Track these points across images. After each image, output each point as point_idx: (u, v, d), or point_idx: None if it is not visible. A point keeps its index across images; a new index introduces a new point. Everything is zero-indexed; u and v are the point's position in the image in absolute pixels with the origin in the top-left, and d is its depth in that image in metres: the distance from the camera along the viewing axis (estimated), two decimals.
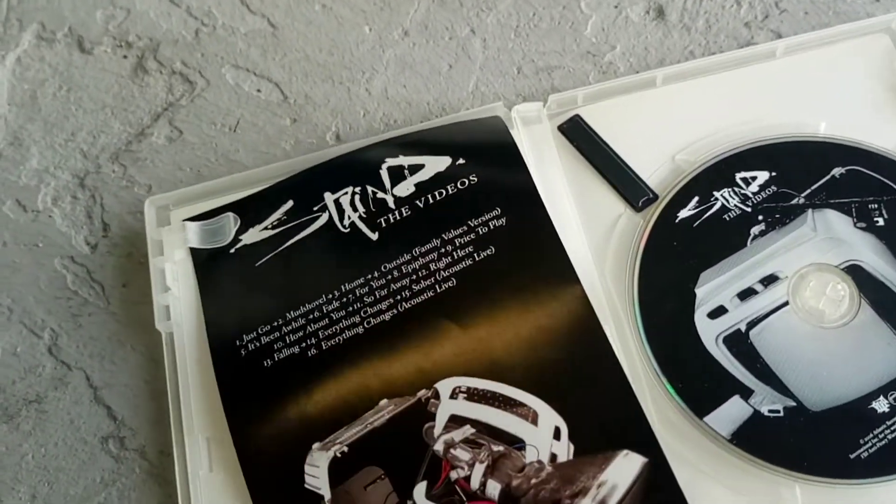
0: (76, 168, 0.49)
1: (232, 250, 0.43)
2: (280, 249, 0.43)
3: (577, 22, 0.51)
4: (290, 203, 0.45)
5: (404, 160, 0.44)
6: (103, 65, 0.52)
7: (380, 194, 0.44)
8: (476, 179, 0.43)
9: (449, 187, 0.43)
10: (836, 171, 0.42)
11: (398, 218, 0.43)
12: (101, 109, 0.51)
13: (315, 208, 0.44)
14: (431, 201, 0.43)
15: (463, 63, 0.51)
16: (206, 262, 0.43)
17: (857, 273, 0.40)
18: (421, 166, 0.44)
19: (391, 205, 0.43)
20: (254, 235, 0.44)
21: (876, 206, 0.41)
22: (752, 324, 0.40)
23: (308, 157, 0.46)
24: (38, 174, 0.49)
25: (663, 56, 0.49)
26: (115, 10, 0.53)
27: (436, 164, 0.44)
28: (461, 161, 0.44)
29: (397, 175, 0.44)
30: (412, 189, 0.44)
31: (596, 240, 0.43)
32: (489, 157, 0.44)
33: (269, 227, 0.44)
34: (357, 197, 0.44)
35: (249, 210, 0.45)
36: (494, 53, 0.51)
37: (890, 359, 0.38)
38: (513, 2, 0.52)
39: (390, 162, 0.45)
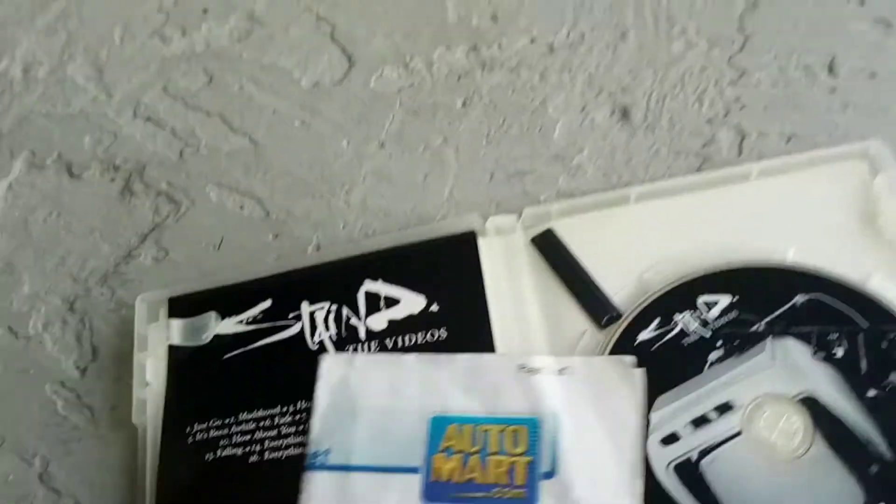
0: (66, 292, 0.61)
1: (206, 338, 0.54)
2: (249, 348, 0.54)
3: (546, 126, 0.61)
4: (268, 302, 0.55)
5: (382, 288, 0.55)
6: (92, 188, 0.64)
7: (353, 320, 0.54)
8: (445, 336, 0.52)
9: (419, 336, 0.53)
10: (799, 299, 0.50)
11: (365, 351, 0.53)
12: (90, 233, 0.63)
13: (290, 315, 0.55)
14: (400, 345, 0.53)
15: (438, 172, 0.61)
16: (181, 356, 0.54)
17: (812, 405, 0.47)
18: (397, 301, 0.54)
19: (362, 335, 0.53)
20: (228, 326, 0.55)
21: (836, 337, 0.48)
22: (704, 453, 0.47)
23: (294, 260, 0.57)
24: (29, 300, 0.61)
25: (629, 156, 0.59)
26: (102, 134, 0.65)
27: (411, 304, 0.54)
28: (434, 308, 0.53)
29: (373, 303, 0.54)
30: (385, 325, 0.54)
31: (560, 354, 0.51)
32: (459, 308, 0.53)
33: (245, 321, 0.55)
34: (332, 315, 0.54)
35: (230, 299, 0.55)
36: (467, 161, 0.61)
37: (842, 496, 0.45)
38: (483, 110, 0.62)
39: (369, 286, 0.55)
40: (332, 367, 0.51)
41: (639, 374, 0.48)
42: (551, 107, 0.63)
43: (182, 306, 0.56)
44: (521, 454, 0.47)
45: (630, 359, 0.49)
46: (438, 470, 0.47)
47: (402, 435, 0.48)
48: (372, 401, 0.50)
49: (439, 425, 0.48)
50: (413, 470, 0.47)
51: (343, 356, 0.52)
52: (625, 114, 0.61)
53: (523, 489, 0.46)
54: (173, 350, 0.55)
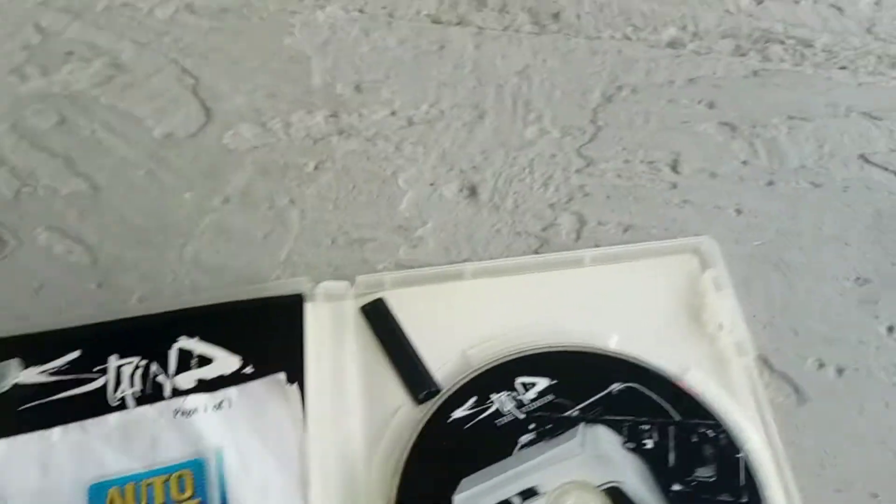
0: None
1: (4, 386, 0.50)
2: (47, 400, 0.50)
3: (394, 196, 0.60)
4: (76, 353, 0.52)
5: (197, 347, 0.52)
6: None
7: (160, 377, 0.51)
8: None
9: None
10: (615, 388, 0.50)
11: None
12: None
13: (96, 368, 0.52)
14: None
15: (279, 232, 0.59)
16: None
17: (616, 496, 0.47)
18: (209, 361, 0.52)
19: (167, 393, 0.51)
20: (30, 376, 0.51)
21: (647, 427, 0.48)
22: None
23: (112, 311, 0.55)
24: None
25: (471, 232, 0.59)
26: None
27: (224, 364, 0.52)
28: (248, 370, 0.51)
29: (184, 361, 0.52)
30: (193, 384, 0.51)
31: (374, 427, 0.50)
32: (274, 372, 0.51)
33: (49, 372, 0.52)
34: (139, 371, 0.52)
35: (37, 347, 0.52)
36: (311, 224, 0.60)
37: None
38: (334, 175, 0.61)
39: (183, 343, 0.52)
40: None
41: (293, 390, 0.49)
42: (402, 178, 0.62)
43: None
44: (189, 499, 0.46)
45: (281, 376, 0.50)
46: None
47: None
48: (21, 486, 0.47)
49: (99, 493, 0.46)
50: None
51: None
52: (472, 191, 0.61)
53: None
54: None
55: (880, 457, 0.49)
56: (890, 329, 0.53)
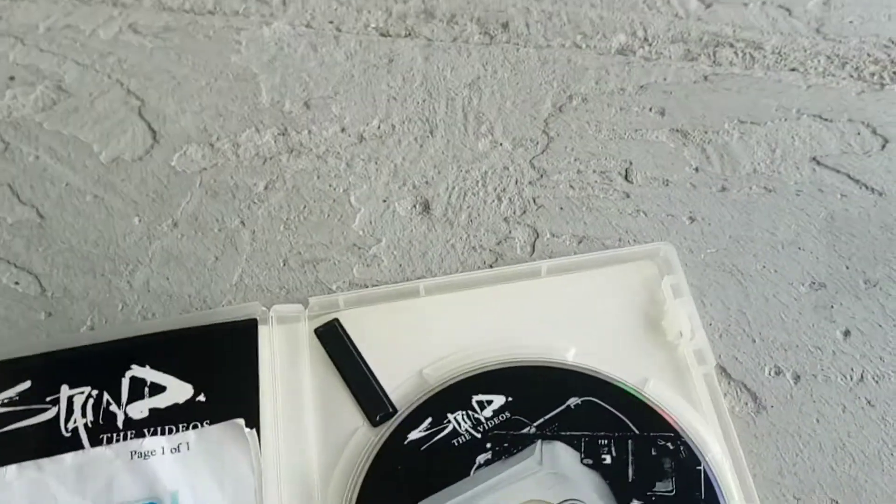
0: None
1: None
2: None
3: (346, 215, 0.60)
4: (27, 384, 0.51)
5: (149, 375, 0.51)
6: None
7: (112, 407, 0.51)
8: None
9: (181, 427, 0.50)
10: (572, 402, 0.49)
11: (120, 440, 0.49)
12: None
13: (48, 399, 0.51)
14: (161, 433, 0.50)
15: (230, 255, 0.59)
16: None
17: None
18: (163, 389, 0.51)
19: (119, 423, 0.50)
20: None
21: (606, 442, 0.48)
22: None
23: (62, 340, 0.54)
24: None
25: (426, 249, 0.58)
26: None
27: (177, 393, 0.51)
28: (201, 398, 0.51)
29: (137, 390, 0.51)
30: (145, 414, 0.50)
31: (329, 452, 0.49)
32: (228, 399, 0.51)
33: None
34: (91, 401, 0.51)
35: None
36: (262, 245, 0.59)
37: None
38: (285, 195, 0.60)
39: (136, 371, 0.52)
40: None
41: (251, 434, 0.49)
42: (354, 196, 0.62)
43: None
44: None
45: (240, 421, 0.49)
46: None
47: None
48: None
49: None
50: None
51: None
52: (426, 207, 0.60)
53: None
54: None
55: (839, 463, 0.49)
56: (846, 333, 0.53)
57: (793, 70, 0.67)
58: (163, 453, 0.48)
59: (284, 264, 0.59)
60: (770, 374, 0.52)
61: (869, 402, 0.51)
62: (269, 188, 0.63)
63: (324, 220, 0.61)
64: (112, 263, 0.60)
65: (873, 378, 0.52)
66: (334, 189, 0.63)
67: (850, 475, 0.49)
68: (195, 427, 0.50)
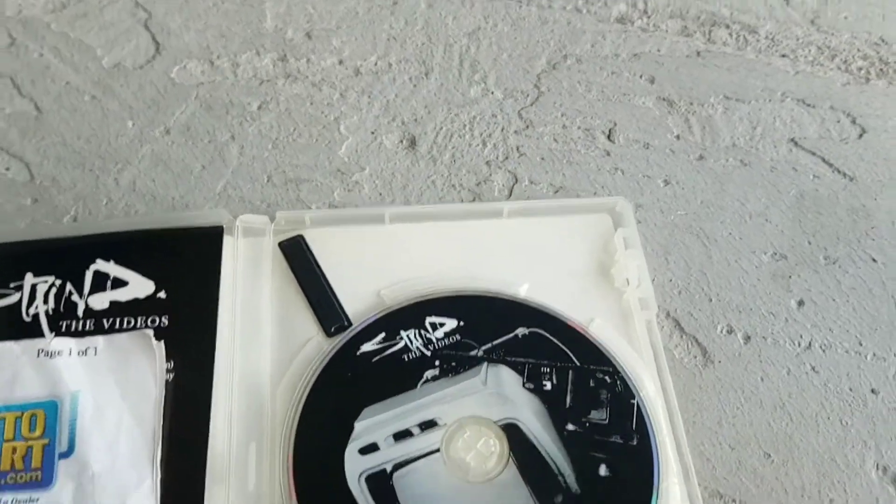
0: None
1: None
2: None
3: (334, 142, 0.62)
4: None
5: (112, 269, 0.54)
6: None
7: (74, 296, 0.53)
8: (167, 324, 0.52)
9: (139, 320, 0.52)
10: (520, 331, 0.52)
11: (78, 329, 0.52)
12: None
13: (12, 284, 0.53)
14: (117, 327, 0.52)
15: (216, 166, 0.61)
16: None
17: (512, 432, 0.49)
18: (124, 283, 0.53)
19: (80, 313, 0.52)
20: None
21: (548, 370, 0.50)
22: (399, 466, 0.48)
23: (32, 229, 0.57)
24: None
25: (407, 181, 0.61)
26: None
27: (138, 288, 0.53)
28: (162, 295, 0.53)
29: (99, 283, 0.53)
30: (106, 305, 0.53)
31: (282, 359, 0.52)
32: (188, 300, 0.53)
33: None
34: (54, 290, 0.53)
35: None
36: (249, 161, 0.62)
37: None
38: (276, 116, 0.63)
39: (100, 265, 0.54)
40: None
41: (159, 346, 0.50)
42: (344, 125, 0.64)
43: None
44: (37, 437, 0.47)
45: (149, 332, 0.50)
46: None
47: None
48: None
49: None
50: None
51: None
52: (412, 143, 0.63)
53: (39, 471, 0.46)
54: None
55: (777, 420, 0.52)
56: (800, 303, 0.56)
57: (783, 56, 0.69)
58: (69, 354, 0.50)
59: (268, 180, 0.62)
60: (722, 332, 0.55)
61: (813, 369, 0.54)
62: (263, 108, 0.66)
63: (311, 144, 0.64)
64: (102, 161, 0.63)
65: (821, 347, 0.55)
66: (325, 116, 0.65)
67: (786, 433, 0.52)
68: (153, 322, 0.52)
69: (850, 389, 0.53)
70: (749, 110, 0.66)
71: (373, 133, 0.64)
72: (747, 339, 0.55)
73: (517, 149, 0.63)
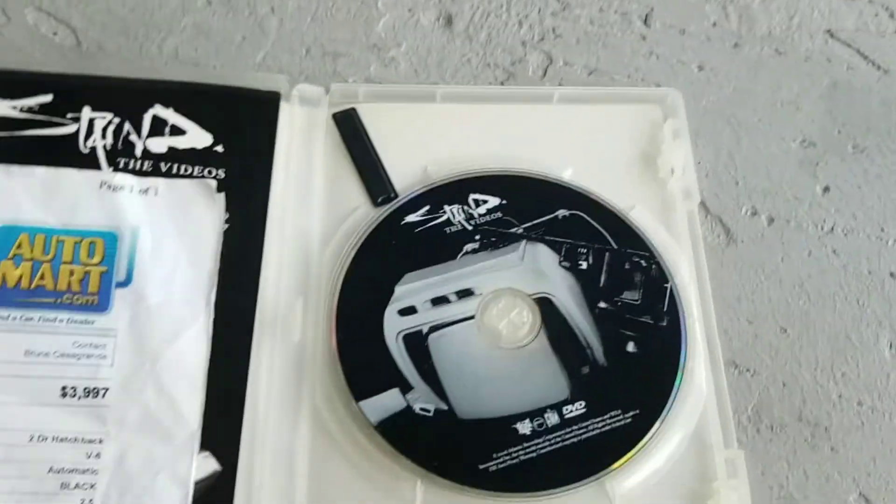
0: None
1: None
2: (16, 134, 0.53)
3: (371, 18, 0.64)
4: (48, 97, 0.54)
5: (171, 116, 0.55)
6: None
7: (133, 136, 0.54)
8: (223, 176, 0.54)
9: (195, 169, 0.54)
10: (561, 213, 0.54)
11: (136, 168, 0.53)
12: None
13: (69, 115, 0.54)
14: (174, 172, 0.54)
15: (256, 37, 0.63)
16: None
17: (545, 305, 0.52)
18: (183, 132, 0.55)
19: (137, 153, 0.54)
20: (1, 108, 0.53)
21: (585, 251, 0.53)
22: (435, 328, 0.51)
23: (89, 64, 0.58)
24: None
25: (442, 59, 0.63)
26: None
27: (197, 139, 0.55)
28: (219, 149, 0.55)
29: (158, 128, 0.55)
30: (164, 149, 0.54)
31: (330, 224, 0.54)
32: (244, 156, 0.55)
33: (19, 108, 0.54)
34: (112, 127, 0.54)
35: (9, 83, 0.54)
36: (288, 33, 0.63)
37: (548, 388, 0.49)
38: None
39: (159, 110, 0.55)
40: None
41: (219, 196, 0.52)
42: (381, 1, 0.65)
43: None
44: (96, 264, 0.49)
45: (212, 182, 0.52)
46: (4, 276, 0.48)
47: None
48: None
49: (9, 233, 0.49)
50: None
51: None
52: (449, 21, 0.64)
53: (96, 296, 0.48)
54: None
55: (795, 298, 0.55)
56: (826, 189, 0.59)
57: None
58: (131, 191, 0.52)
59: (307, 53, 0.63)
60: (746, 214, 0.58)
61: (834, 251, 0.57)
62: None
63: (350, 19, 0.65)
64: (146, 29, 0.63)
65: (843, 231, 0.58)
66: None
67: (802, 310, 0.55)
68: (209, 173, 0.54)
69: (869, 272, 0.56)
70: (787, 1, 0.67)
71: (410, 10, 0.65)
72: (771, 221, 0.58)
73: (553, 30, 0.64)
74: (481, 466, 0.47)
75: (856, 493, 0.50)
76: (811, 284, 0.55)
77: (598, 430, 0.48)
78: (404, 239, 0.53)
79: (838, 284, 0.56)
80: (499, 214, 0.54)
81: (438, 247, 0.53)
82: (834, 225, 0.58)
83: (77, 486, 0.45)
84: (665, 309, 0.51)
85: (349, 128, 0.57)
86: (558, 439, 0.48)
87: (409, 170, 0.56)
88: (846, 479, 0.50)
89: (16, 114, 0.53)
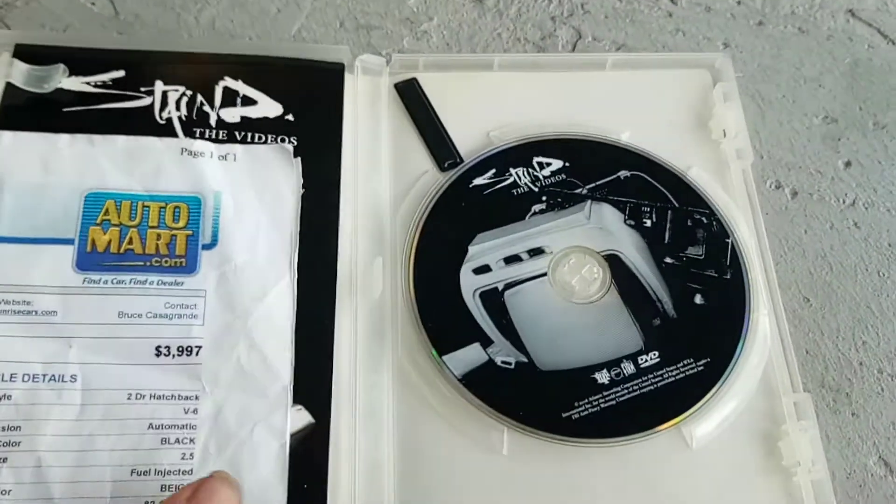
0: None
1: (48, 88, 0.54)
2: (92, 108, 0.55)
3: None
4: (121, 73, 0.56)
5: (241, 88, 0.57)
6: None
7: (206, 107, 0.56)
8: (295, 144, 0.56)
9: (269, 137, 0.56)
10: (623, 174, 0.57)
11: (212, 137, 0.55)
12: None
13: (142, 89, 0.56)
14: (248, 140, 0.56)
15: (291, 9, 0.65)
16: (18, 98, 0.54)
17: (614, 262, 0.54)
18: (254, 102, 0.57)
19: (212, 122, 0.56)
20: (74, 84, 0.55)
21: (648, 210, 0.56)
22: (510, 286, 0.53)
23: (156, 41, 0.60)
24: None
25: (473, 33, 0.66)
26: None
27: (268, 108, 0.57)
28: (290, 117, 0.57)
29: (229, 98, 0.57)
30: (237, 119, 0.56)
31: (399, 188, 0.57)
32: (314, 124, 0.57)
33: (94, 84, 0.55)
34: (185, 99, 0.56)
35: (81, 60, 0.56)
36: (322, 6, 0.66)
37: (622, 340, 0.52)
38: None
39: (228, 82, 0.57)
40: None
41: (296, 161, 0.54)
42: None
43: (29, 53, 0.56)
44: (181, 228, 0.51)
45: (289, 147, 0.55)
46: (94, 241, 0.49)
47: (55, 209, 0.50)
48: (20, 177, 0.50)
49: (96, 200, 0.50)
50: (68, 241, 0.49)
51: None
52: None
53: (183, 258, 0.50)
54: (10, 89, 0.54)
55: (818, 269, 0.59)
56: (847, 164, 0.62)
57: None
58: (210, 157, 0.54)
59: (341, 26, 0.66)
60: (770, 187, 0.61)
61: (856, 224, 0.61)
62: None
63: None
64: (182, 0, 0.65)
65: (864, 205, 0.61)
66: None
67: (825, 281, 0.58)
68: (282, 141, 0.56)
69: (889, 245, 0.60)
70: None
71: None
72: (794, 194, 0.61)
73: (582, 6, 0.68)
74: (564, 415, 0.50)
75: (875, 457, 0.53)
76: (833, 256, 0.59)
77: (672, 378, 0.51)
78: (473, 201, 0.56)
79: (859, 256, 0.59)
80: (563, 176, 0.57)
81: (507, 208, 0.56)
82: (855, 199, 0.61)
83: (177, 440, 0.47)
84: (728, 263, 0.54)
85: (412, 96, 0.60)
86: (635, 387, 0.51)
87: (470, 136, 0.59)
88: (866, 442, 0.53)
89: (90, 89, 0.55)
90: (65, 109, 0.54)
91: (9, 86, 0.54)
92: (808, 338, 0.56)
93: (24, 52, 0.56)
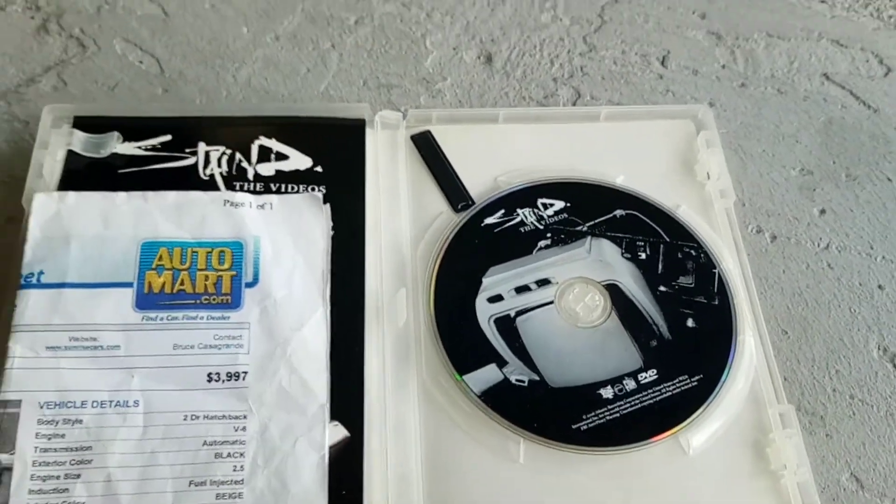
0: None
1: (104, 153, 0.61)
2: (144, 168, 0.61)
3: (420, 55, 0.75)
4: (168, 137, 0.63)
5: (275, 145, 0.64)
6: (12, 21, 0.72)
7: (244, 163, 0.63)
8: (324, 192, 0.62)
9: (301, 187, 0.62)
10: (618, 213, 0.64)
11: (250, 189, 0.62)
12: (1, 55, 0.70)
13: (188, 150, 0.63)
14: (283, 191, 0.62)
15: (319, 70, 0.73)
16: (78, 163, 0.61)
17: (613, 290, 0.61)
18: (286, 157, 0.64)
19: (250, 177, 0.62)
20: (128, 149, 0.62)
21: (643, 244, 0.63)
22: (521, 313, 0.59)
23: (197, 107, 0.67)
24: None
25: (483, 92, 0.73)
26: None
27: (299, 162, 0.64)
28: (318, 169, 0.63)
29: (265, 155, 0.64)
30: (272, 173, 0.63)
31: (418, 227, 0.63)
32: (341, 175, 0.63)
33: (144, 148, 0.62)
34: (226, 157, 0.63)
35: (132, 127, 0.63)
36: (347, 67, 0.73)
37: (623, 359, 0.58)
38: (371, 30, 0.75)
39: (263, 141, 0.64)
40: (44, 204, 0.57)
41: (326, 207, 0.60)
42: (429, 41, 0.76)
43: (86, 123, 0.63)
44: (226, 269, 0.57)
45: (318, 195, 0.61)
46: (150, 284, 0.55)
47: (115, 257, 0.55)
48: (85, 230, 0.56)
49: (150, 248, 0.56)
50: (127, 285, 0.55)
51: (55, 194, 0.57)
52: (489, 59, 0.76)
53: (229, 296, 0.56)
54: (72, 155, 0.61)
55: (795, 305, 0.64)
56: (822, 211, 0.69)
57: (822, 1, 0.83)
58: (250, 207, 0.59)
59: (364, 84, 0.73)
60: (752, 232, 0.68)
61: (829, 265, 0.67)
62: (359, 23, 0.77)
63: (401, 56, 0.75)
64: (221, 60, 0.73)
65: (837, 248, 0.68)
66: (413, 32, 0.77)
67: (801, 315, 0.64)
68: (312, 190, 0.62)
69: (860, 284, 0.66)
70: (788, 47, 0.79)
71: (454, 49, 0.76)
72: (773, 238, 0.68)
73: (581, 69, 0.76)
74: (573, 426, 0.55)
75: (847, 473, 0.57)
76: (809, 294, 0.64)
77: (670, 393, 0.57)
78: (485, 238, 0.62)
79: (833, 294, 0.65)
80: (565, 215, 0.64)
81: (516, 244, 0.62)
82: (829, 243, 0.68)
83: (229, 455, 0.52)
84: (715, 290, 0.61)
85: (426, 146, 0.67)
86: (637, 401, 0.56)
87: (481, 181, 0.66)
88: (839, 461, 0.57)
89: (141, 152, 0.62)
90: (120, 171, 0.61)
91: (70, 153, 0.61)
92: (786, 366, 0.62)
93: (83, 123, 0.63)
